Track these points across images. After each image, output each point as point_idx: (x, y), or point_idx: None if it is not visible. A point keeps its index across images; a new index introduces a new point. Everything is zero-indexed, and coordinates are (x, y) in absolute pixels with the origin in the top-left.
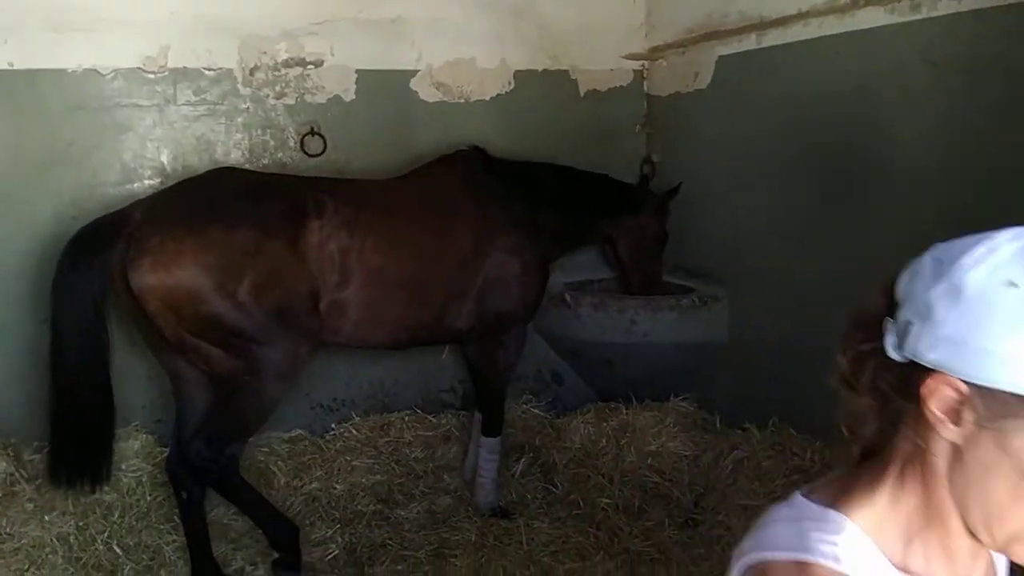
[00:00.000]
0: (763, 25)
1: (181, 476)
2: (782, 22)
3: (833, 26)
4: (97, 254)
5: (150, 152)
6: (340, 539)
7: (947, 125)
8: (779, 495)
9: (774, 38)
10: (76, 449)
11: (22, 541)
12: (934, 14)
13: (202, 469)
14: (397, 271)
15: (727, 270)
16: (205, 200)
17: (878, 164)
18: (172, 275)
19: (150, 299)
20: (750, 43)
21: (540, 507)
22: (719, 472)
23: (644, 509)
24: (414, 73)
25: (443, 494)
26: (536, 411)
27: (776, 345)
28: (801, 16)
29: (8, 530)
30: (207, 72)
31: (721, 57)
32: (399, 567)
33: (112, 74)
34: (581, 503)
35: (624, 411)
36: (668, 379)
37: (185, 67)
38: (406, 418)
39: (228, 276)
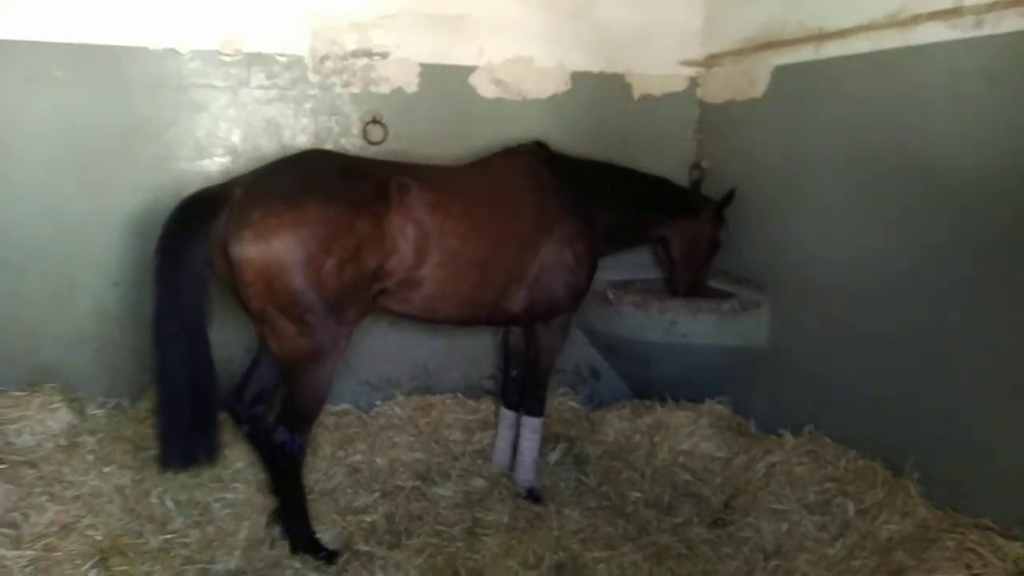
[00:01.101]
0: (822, 37)
1: (237, 411)
2: (841, 34)
3: (893, 40)
4: (201, 225)
5: (222, 131)
6: (380, 509)
7: (1004, 141)
8: (811, 501)
9: (832, 50)
10: (185, 428)
11: (82, 490)
12: (998, 31)
13: (279, 449)
14: (471, 253)
15: (771, 277)
16: (301, 178)
17: (932, 178)
18: (271, 247)
19: (248, 270)
20: (808, 54)
21: (572, 496)
22: (751, 475)
23: (674, 505)
24: (474, 69)
25: (478, 477)
26: (572, 404)
27: (818, 354)
28: (861, 29)
29: (69, 478)
30: (280, 58)
31: (778, 67)
32: (434, 540)
33: (190, 55)
34: (612, 495)
35: (659, 409)
36: (705, 381)
37: (259, 52)
38: (447, 401)
39: (320, 250)
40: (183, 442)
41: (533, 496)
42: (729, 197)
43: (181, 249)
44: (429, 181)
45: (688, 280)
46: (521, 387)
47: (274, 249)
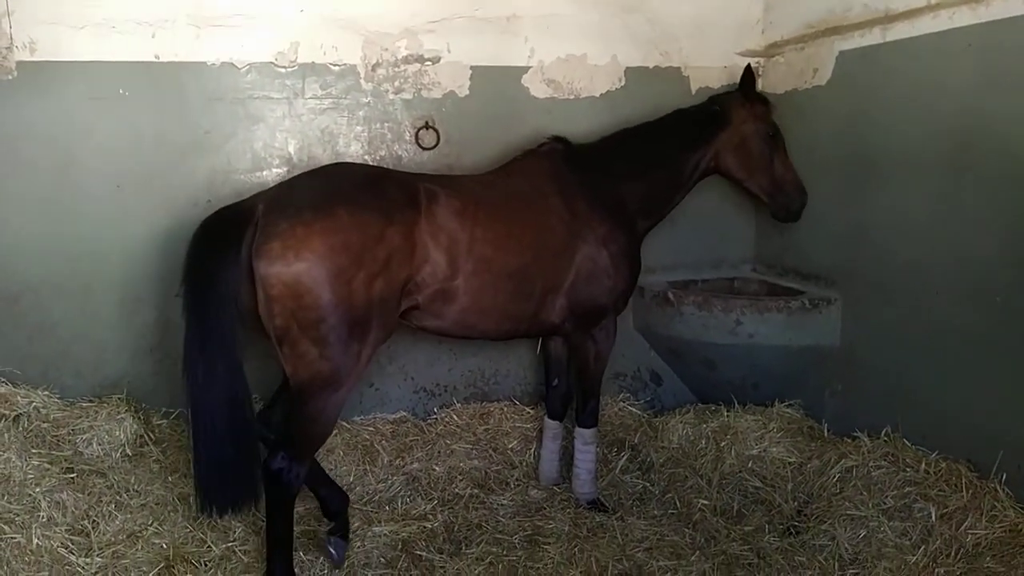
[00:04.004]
0: (888, 18)
1: (265, 436)
2: (909, 15)
3: (966, 17)
4: (230, 245)
5: (279, 142)
6: (439, 516)
7: None
8: (890, 507)
9: (900, 31)
10: (224, 470)
11: (147, 498)
12: None
13: (276, 477)
14: (505, 261)
15: (842, 272)
16: (328, 187)
17: (1011, 160)
18: (302, 258)
19: (275, 283)
20: (874, 37)
21: (635, 504)
22: (825, 481)
23: (743, 513)
24: (526, 70)
25: (537, 485)
26: (633, 409)
27: (895, 352)
28: (931, 8)
29: (136, 487)
30: (333, 67)
31: (842, 52)
32: (494, 549)
33: (247, 68)
34: (677, 502)
35: (725, 413)
36: (773, 383)
37: (313, 62)
38: (504, 408)
39: (351, 261)
40: (223, 485)
41: (598, 505)
42: (747, 76)
43: (211, 274)
44: (455, 188)
45: (766, 187)
46: (564, 396)
47: (305, 260)
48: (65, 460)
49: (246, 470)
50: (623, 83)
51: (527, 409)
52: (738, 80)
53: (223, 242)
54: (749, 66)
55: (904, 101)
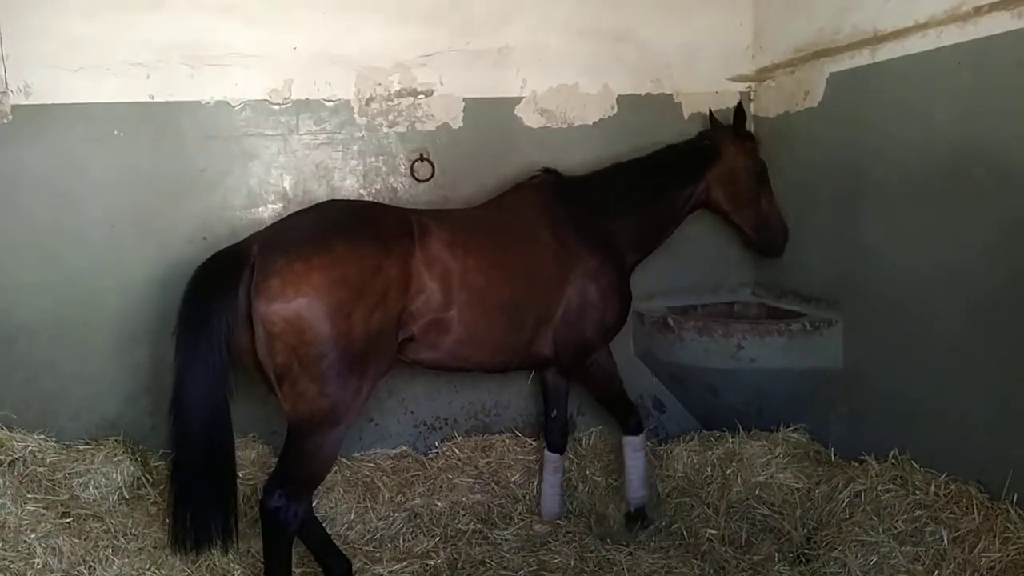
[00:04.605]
0: (877, 39)
1: None
2: (898, 35)
3: (954, 35)
4: (228, 289)
5: (274, 179)
6: (442, 553)
7: None
8: (901, 531)
9: (889, 51)
10: (199, 508)
11: (145, 542)
12: None
13: (273, 516)
14: (498, 292)
15: (842, 294)
16: (323, 222)
17: (1008, 179)
18: (302, 293)
19: (276, 321)
20: (864, 58)
21: (642, 536)
22: (834, 506)
23: (752, 542)
24: (519, 100)
25: (541, 519)
26: None
27: (899, 372)
28: (918, 27)
29: (133, 531)
30: (327, 103)
31: (833, 74)
32: None
33: (241, 106)
34: (685, 533)
35: (730, 440)
36: (777, 407)
37: (307, 98)
38: (507, 440)
39: (351, 295)
40: (197, 522)
41: (644, 516)
42: (739, 114)
43: (207, 316)
44: (446, 221)
45: (751, 221)
46: (564, 427)
47: (305, 295)
48: (61, 504)
49: (223, 507)
50: (616, 111)
51: (529, 440)
52: (731, 106)
53: (220, 285)
54: (740, 103)
55: (896, 120)
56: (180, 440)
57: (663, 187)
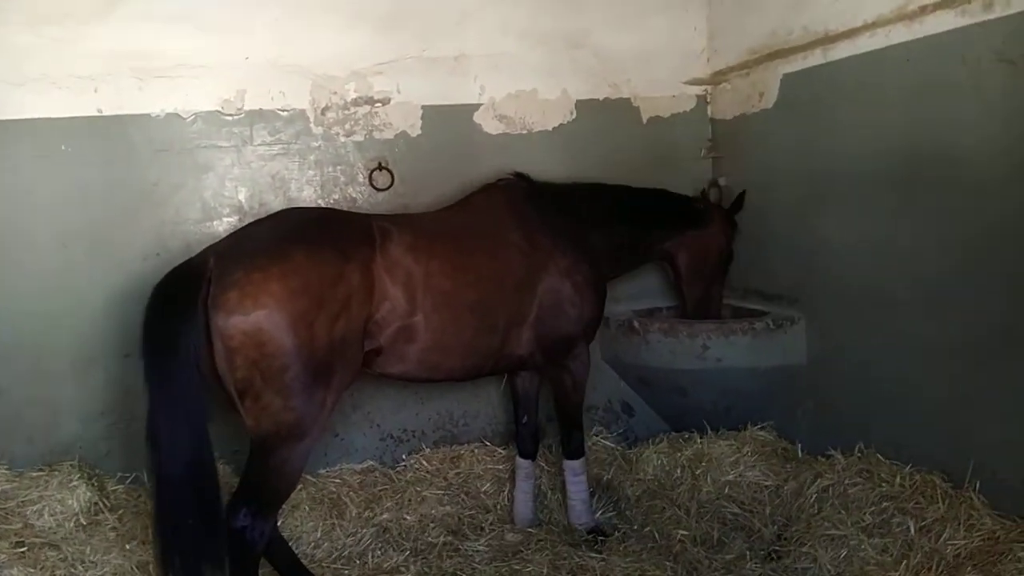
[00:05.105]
0: (829, 39)
1: None
2: (848, 34)
3: (901, 34)
4: (187, 305)
5: (228, 191)
6: (412, 567)
7: None
8: (869, 524)
9: (841, 51)
10: (190, 544)
11: (104, 569)
12: (1009, 12)
13: (239, 535)
14: (464, 295)
15: (804, 291)
16: (280, 230)
17: (961, 170)
18: (261, 304)
19: (235, 334)
20: (816, 59)
21: (615, 541)
22: (803, 502)
23: (723, 542)
24: (477, 107)
25: (512, 528)
26: (606, 443)
27: (860, 366)
28: (867, 27)
29: (91, 558)
30: (281, 113)
31: (786, 75)
32: None
33: (192, 117)
34: (657, 536)
35: (699, 440)
36: (744, 406)
37: (261, 109)
38: (475, 450)
39: (312, 304)
40: (186, 552)
41: (599, 532)
42: (739, 201)
43: (170, 337)
44: (408, 225)
45: (699, 297)
46: (535, 434)
47: (264, 306)
48: (15, 534)
49: (211, 537)
50: (575, 116)
51: (499, 449)
52: (687, 109)
53: (178, 302)
54: (744, 192)
55: (850, 118)
56: (162, 469)
57: (644, 215)
